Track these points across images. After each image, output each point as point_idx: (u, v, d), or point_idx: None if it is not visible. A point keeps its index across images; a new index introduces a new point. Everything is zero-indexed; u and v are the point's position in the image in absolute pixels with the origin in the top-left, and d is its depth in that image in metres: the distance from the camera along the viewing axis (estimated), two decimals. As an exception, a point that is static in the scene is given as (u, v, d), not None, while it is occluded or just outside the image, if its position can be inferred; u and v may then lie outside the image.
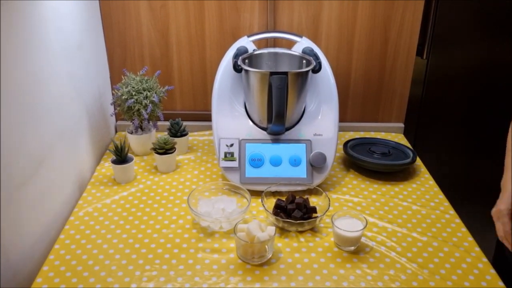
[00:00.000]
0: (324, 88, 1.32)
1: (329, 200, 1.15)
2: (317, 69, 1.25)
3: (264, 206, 1.13)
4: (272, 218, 1.12)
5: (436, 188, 1.31)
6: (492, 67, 1.63)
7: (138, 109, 1.35)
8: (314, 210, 1.15)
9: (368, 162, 1.34)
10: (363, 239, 1.08)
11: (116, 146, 1.28)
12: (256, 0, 1.46)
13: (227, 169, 1.26)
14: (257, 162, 1.25)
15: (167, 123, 1.45)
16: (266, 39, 1.46)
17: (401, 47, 1.53)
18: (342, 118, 1.63)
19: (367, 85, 1.60)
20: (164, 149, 1.34)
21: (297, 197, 1.15)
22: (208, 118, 1.39)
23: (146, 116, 1.35)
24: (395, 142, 1.49)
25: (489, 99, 1.71)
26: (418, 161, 1.45)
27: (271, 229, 1.04)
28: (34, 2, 1.02)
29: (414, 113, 1.69)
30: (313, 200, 1.20)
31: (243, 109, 1.32)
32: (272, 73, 1.17)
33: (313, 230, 1.13)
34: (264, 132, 1.29)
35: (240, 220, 1.07)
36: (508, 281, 0.99)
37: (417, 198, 1.26)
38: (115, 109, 1.42)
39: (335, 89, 1.32)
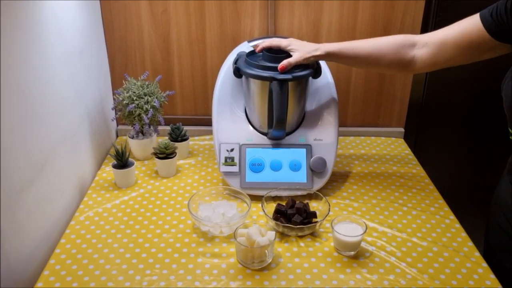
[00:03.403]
0: (324, 93, 1.33)
1: (329, 205, 1.15)
2: (317, 74, 1.25)
3: (264, 211, 1.13)
4: (272, 223, 1.13)
5: (436, 193, 1.31)
6: (493, 71, 1.63)
7: (139, 114, 1.36)
8: (314, 215, 1.15)
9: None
10: (363, 244, 1.08)
11: (117, 151, 1.29)
12: (256, 6, 1.47)
13: (227, 173, 1.26)
14: (257, 167, 1.26)
15: (168, 128, 1.45)
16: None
17: (401, 52, 1.54)
18: (342, 123, 1.64)
19: (367, 90, 1.60)
20: (164, 154, 1.34)
21: (297, 202, 1.15)
22: (208, 123, 1.40)
23: (147, 121, 1.36)
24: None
25: (490, 104, 1.71)
26: (418, 166, 1.45)
27: (271, 234, 1.04)
28: (35, 7, 1.03)
29: (415, 118, 1.69)
30: (313, 205, 1.20)
31: (244, 114, 1.32)
32: (272, 79, 1.18)
33: (313, 235, 1.13)
34: (264, 137, 1.29)
35: (240, 224, 1.08)
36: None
37: (417, 203, 1.26)
38: (116, 113, 1.42)
39: (335, 94, 1.33)
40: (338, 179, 1.37)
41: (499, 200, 1.13)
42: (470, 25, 0.99)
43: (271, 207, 1.18)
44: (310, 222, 1.13)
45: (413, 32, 1.50)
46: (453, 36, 1.01)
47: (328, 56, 1.14)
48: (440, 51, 1.03)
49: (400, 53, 1.07)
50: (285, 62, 1.15)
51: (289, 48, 1.17)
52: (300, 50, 1.15)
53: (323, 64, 1.31)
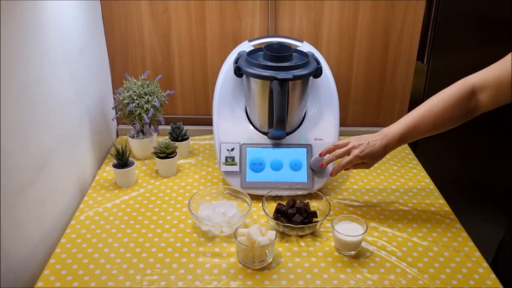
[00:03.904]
0: (325, 93, 1.33)
1: (330, 205, 1.15)
2: (318, 74, 1.25)
3: (264, 211, 1.13)
4: (272, 222, 1.13)
5: (437, 193, 1.31)
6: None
7: (140, 113, 1.36)
8: (314, 214, 1.15)
9: None
10: (363, 244, 1.08)
11: (117, 150, 1.29)
12: (257, 5, 1.47)
13: (228, 173, 1.26)
14: (257, 167, 1.26)
15: (168, 127, 1.45)
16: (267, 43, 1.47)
17: (401, 52, 1.54)
18: (343, 122, 1.63)
19: (368, 90, 1.60)
20: (165, 153, 1.34)
21: (297, 201, 1.15)
22: (209, 122, 1.40)
23: (147, 121, 1.36)
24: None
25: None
26: (419, 166, 1.45)
27: (272, 234, 1.04)
28: (35, 7, 1.03)
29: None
30: (314, 205, 1.20)
31: (244, 114, 1.32)
32: (273, 78, 1.18)
33: (314, 235, 1.13)
34: (265, 137, 1.29)
35: (241, 224, 1.07)
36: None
37: (417, 203, 1.26)
38: (116, 113, 1.42)
39: (335, 93, 1.33)
40: (339, 178, 1.37)
41: None
42: None
43: (272, 206, 1.18)
44: (311, 222, 1.13)
45: (413, 32, 1.50)
46: (507, 74, 0.96)
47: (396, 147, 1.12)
48: (499, 91, 0.99)
49: (462, 107, 1.03)
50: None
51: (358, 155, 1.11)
52: (373, 157, 1.11)
53: (324, 63, 1.31)
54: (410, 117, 1.09)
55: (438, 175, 1.43)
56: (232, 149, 1.27)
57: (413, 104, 1.64)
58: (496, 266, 1.08)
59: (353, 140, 1.13)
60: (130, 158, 1.33)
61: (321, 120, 1.31)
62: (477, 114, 1.05)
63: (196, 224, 1.15)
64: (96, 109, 1.42)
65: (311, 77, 1.24)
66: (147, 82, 1.40)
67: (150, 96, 1.37)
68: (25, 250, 0.99)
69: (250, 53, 1.29)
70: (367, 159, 1.11)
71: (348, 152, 1.12)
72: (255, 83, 1.23)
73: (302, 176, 1.25)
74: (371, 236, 1.12)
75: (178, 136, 1.44)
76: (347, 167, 1.14)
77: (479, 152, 1.80)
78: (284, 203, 1.17)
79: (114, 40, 1.52)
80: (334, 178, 1.36)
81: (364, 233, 1.05)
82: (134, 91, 1.36)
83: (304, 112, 1.32)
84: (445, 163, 1.80)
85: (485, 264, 1.03)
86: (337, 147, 1.16)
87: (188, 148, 1.49)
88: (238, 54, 1.30)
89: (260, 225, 1.06)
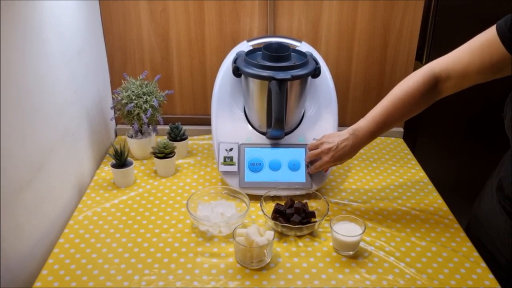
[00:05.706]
0: (324, 93, 1.33)
1: (328, 205, 1.15)
2: (316, 73, 1.25)
3: (263, 211, 1.13)
4: (271, 222, 1.12)
5: (435, 193, 1.31)
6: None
7: (138, 113, 1.36)
8: (313, 214, 1.15)
9: None
10: (362, 244, 1.08)
11: (116, 150, 1.29)
12: (256, 5, 1.46)
13: (226, 173, 1.26)
14: (256, 167, 1.26)
15: (167, 127, 1.45)
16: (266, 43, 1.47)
17: (400, 52, 1.54)
18: (342, 122, 1.62)
19: (367, 90, 1.60)
20: (163, 153, 1.34)
21: (296, 201, 1.15)
22: (207, 122, 1.40)
23: (146, 120, 1.35)
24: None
25: (489, 104, 1.71)
26: (417, 166, 1.45)
27: (270, 234, 1.04)
28: (34, 7, 1.02)
29: (414, 118, 1.68)
30: (312, 205, 1.20)
31: (243, 114, 1.32)
32: (271, 78, 1.18)
33: (312, 235, 1.13)
34: (264, 137, 1.29)
35: (239, 224, 1.07)
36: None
37: (416, 203, 1.26)
38: (115, 113, 1.42)
39: (334, 93, 1.33)
40: (337, 178, 1.37)
41: (480, 215, 1.12)
42: (490, 48, 0.96)
43: (270, 206, 1.18)
44: (309, 222, 1.13)
45: (412, 32, 1.50)
46: (475, 65, 0.98)
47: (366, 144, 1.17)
48: (464, 80, 1.03)
49: (426, 97, 1.07)
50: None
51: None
52: (342, 159, 1.18)
53: (322, 63, 1.31)
54: (378, 113, 1.12)
55: (437, 175, 1.43)
56: (231, 149, 1.27)
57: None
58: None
59: (323, 144, 1.18)
60: (129, 158, 1.33)
61: (320, 120, 1.31)
62: (438, 99, 1.09)
63: (195, 224, 1.15)
64: (94, 109, 1.42)
65: (309, 77, 1.24)
66: (145, 82, 1.40)
67: (149, 96, 1.37)
68: (23, 250, 0.99)
69: (249, 53, 1.28)
70: (337, 162, 1.18)
71: (319, 156, 1.20)
72: (254, 83, 1.23)
73: (300, 176, 1.25)
74: (370, 236, 1.12)
75: (177, 136, 1.44)
76: (319, 170, 1.22)
77: (478, 152, 1.80)
78: (283, 203, 1.17)
79: (112, 39, 1.52)
80: (333, 178, 1.36)
81: (362, 233, 1.05)
82: (133, 91, 1.36)
83: (302, 112, 1.32)
84: (443, 163, 1.80)
85: (483, 264, 1.03)
86: (309, 148, 1.24)
87: (187, 148, 1.49)
88: (237, 54, 1.30)
89: (258, 225, 1.06)
